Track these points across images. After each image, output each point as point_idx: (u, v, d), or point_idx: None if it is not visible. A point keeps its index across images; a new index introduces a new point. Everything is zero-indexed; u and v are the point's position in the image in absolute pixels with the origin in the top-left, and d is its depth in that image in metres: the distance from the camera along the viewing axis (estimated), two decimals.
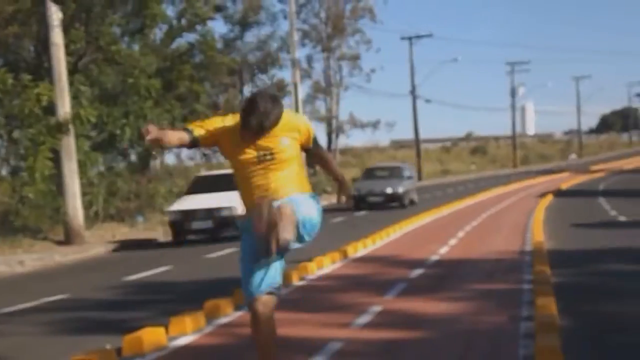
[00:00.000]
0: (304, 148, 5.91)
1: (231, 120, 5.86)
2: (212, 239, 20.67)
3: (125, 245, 21.73)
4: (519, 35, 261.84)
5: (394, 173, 34.98)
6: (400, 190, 32.97)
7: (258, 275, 5.64)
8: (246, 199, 5.82)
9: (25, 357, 8.15)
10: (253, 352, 6.07)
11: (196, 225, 21.05)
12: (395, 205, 32.38)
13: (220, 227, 20.73)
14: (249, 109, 5.60)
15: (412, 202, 33.67)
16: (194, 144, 5.79)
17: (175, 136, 5.75)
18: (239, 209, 16.66)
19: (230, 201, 19.96)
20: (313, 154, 5.97)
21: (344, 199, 5.97)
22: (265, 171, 5.72)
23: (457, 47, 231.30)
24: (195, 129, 5.77)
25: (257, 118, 5.55)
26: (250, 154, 5.73)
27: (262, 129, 5.61)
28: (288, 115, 5.87)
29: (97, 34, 25.90)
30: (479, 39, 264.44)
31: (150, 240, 22.94)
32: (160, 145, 5.66)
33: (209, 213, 20.78)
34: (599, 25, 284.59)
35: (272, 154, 5.71)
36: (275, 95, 5.85)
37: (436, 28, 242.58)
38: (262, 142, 5.72)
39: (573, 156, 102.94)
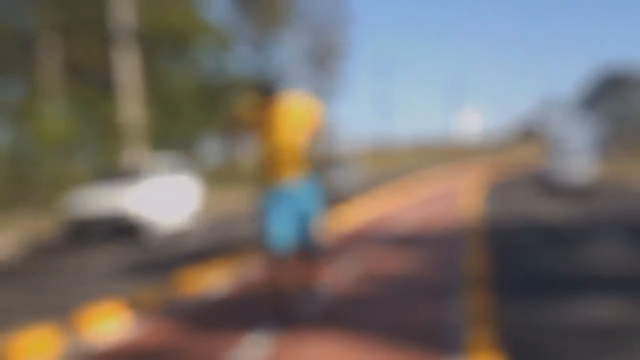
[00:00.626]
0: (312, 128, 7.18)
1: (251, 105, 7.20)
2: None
3: None
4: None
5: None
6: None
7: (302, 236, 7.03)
8: (263, 173, 7.07)
9: None
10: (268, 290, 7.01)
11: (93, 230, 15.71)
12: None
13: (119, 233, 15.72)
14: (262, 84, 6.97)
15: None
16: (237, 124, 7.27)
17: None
18: (144, 213, 15.61)
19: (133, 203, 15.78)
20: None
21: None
22: (280, 149, 6.97)
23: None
24: (236, 122, 7.25)
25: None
26: (267, 124, 7.03)
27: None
28: (303, 97, 7.24)
29: None
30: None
31: None
32: None
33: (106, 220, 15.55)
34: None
35: (284, 122, 6.99)
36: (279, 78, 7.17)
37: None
38: (276, 109, 7.03)
39: None
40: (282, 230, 7.04)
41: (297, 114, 7.19)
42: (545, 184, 27.36)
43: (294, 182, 7.09)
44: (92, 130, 25.15)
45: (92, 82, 26.84)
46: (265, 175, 7.17)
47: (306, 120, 7.21)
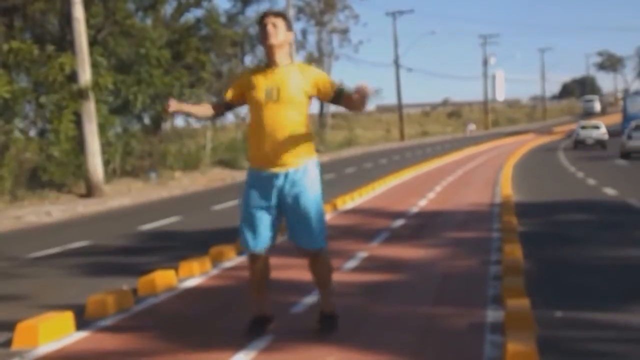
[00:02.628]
0: (328, 98, 5.67)
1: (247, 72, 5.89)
2: None
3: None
4: (491, 10, 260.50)
5: None
6: None
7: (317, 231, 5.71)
8: (253, 153, 5.72)
9: (50, 296, 8.15)
10: (249, 293, 6.09)
11: None
12: None
13: None
14: (260, 24, 5.61)
15: None
16: (227, 107, 5.86)
17: (199, 110, 5.86)
18: None
19: None
20: (345, 103, 5.67)
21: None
22: (272, 116, 5.52)
23: (435, 22, 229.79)
24: (226, 94, 5.81)
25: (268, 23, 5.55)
26: (260, 91, 5.59)
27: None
28: (304, 65, 5.81)
29: (114, 9, 25.62)
30: (455, 14, 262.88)
31: None
32: (184, 114, 5.73)
33: None
34: (562, 1, 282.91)
35: (278, 89, 5.55)
36: (280, 11, 5.80)
37: (418, 4, 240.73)
38: (272, 76, 5.60)
39: (472, 127, 77.85)
40: (259, 228, 5.67)
41: (303, 77, 5.65)
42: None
43: (292, 168, 5.61)
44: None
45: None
46: (256, 156, 5.72)
47: (317, 82, 5.66)
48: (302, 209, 5.61)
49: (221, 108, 5.87)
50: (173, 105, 5.62)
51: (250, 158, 5.79)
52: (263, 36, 5.59)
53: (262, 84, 5.61)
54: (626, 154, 30.09)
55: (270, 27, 5.56)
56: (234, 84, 5.82)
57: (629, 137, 30.68)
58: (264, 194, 5.64)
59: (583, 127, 42.44)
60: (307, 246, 5.70)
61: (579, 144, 40.93)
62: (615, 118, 69.05)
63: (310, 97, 5.65)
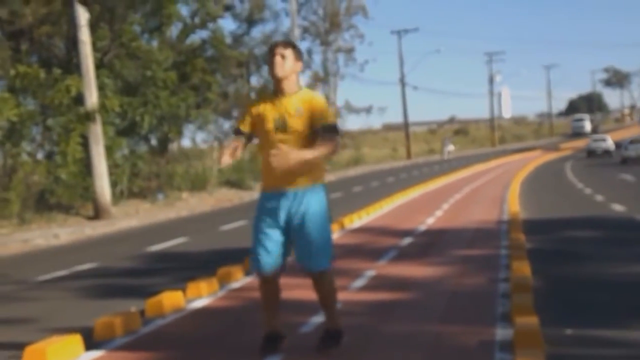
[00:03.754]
0: (314, 126, 5.59)
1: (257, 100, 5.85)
2: None
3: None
4: (496, 28, 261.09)
5: None
6: None
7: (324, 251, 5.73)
8: (265, 176, 5.73)
9: (58, 319, 8.15)
10: (261, 313, 6.10)
11: None
12: None
13: None
14: (269, 54, 5.62)
15: None
16: (248, 139, 5.81)
17: (236, 149, 5.80)
18: None
19: None
20: (319, 140, 5.56)
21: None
22: (282, 144, 5.50)
23: (440, 40, 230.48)
24: (241, 126, 5.79)
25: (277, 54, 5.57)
26: (269, 122, 5.61)
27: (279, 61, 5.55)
28: (309, 93, 5.74)
29: (120, 32, 25.75)
30: (460, 32, 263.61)
31: None
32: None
33: None
34: (566, 18, 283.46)
35: (284, 120, 5.56)
36: (291, 42, 5.78)
37: (422, 23, 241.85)
38: (280, 105, 5.61)
39: (450, 147, 66.35)
40: (270, 249, 5.71)
41: (304, 103, 5.66)
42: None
43: (301, 188, 5.66)
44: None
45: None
46: (267, 179, 5.76)
47: (312, 111, 5.65)
48: (306, 230, 5.63)
49: (245, 141, 5.85)
50: (225, 158, 5.73)
51: (262, 182, 5.82)
52: (270, 67, 5.62)
53: (270, 114, 5.64)
54: (624, 161, 39.72)
55: (278, 59, 5.59)
56: (245, 115, 5.81)
57: (626, 149, 40.77)
58: (274, 215, 5.67)
59: (594, 140, 52.54)
60: (309, 267, 5.71)
61: (591, 154, 50.13)
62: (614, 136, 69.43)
63: (310, 121, 5.64)
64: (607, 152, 49.38)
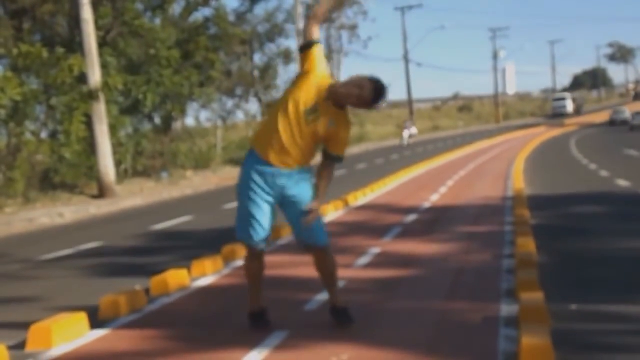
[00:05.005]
0: (329, 147, 5.63)
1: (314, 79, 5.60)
2: None
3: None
4: (500, 3, 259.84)
5: None
6: None
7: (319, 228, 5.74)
8: (264, 145, 5.63)
9: (63, 297, 8.16)
10: (265, 291, 6.10)
11: None
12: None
13: None
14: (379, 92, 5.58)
15: None
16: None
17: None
18: None
19: None
20: (323, 164, 5.70)
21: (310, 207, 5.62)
22: (296, 132, 5.51)
23: (445, 16, 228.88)
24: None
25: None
26: (302, 104, 5.52)
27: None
28: (344, 115, 5.64)
29: (123, 10, 25.63)
30: (464, 7, 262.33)
31: None
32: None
33: None
34: None
35: (315, 118, 5.51)
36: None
37: None
38: (321, 103, 5.53)
39: (412, 130, 54.03)
40: (263, 223, 5.74)
41: (332, 121, 5.62)
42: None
43: (295, 171, 5.71)
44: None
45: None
46: (266, 149, 5.66)
47: (341, 145, 5.75)
48: (303, 207, 5.68)
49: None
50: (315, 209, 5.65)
51: (258, 144, 5.71)
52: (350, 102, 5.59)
53: (309, 100, 5.54)
54: (632, 128, 48.04)
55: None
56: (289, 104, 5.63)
57: (633, 119, 49.82)
58: (266, 188, 5.67)
59: (616, 112, 61.21)
60: (315, 242, 5.74)
61: (613, 123, 58.95)
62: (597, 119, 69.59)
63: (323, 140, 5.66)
64: (624, 122, 55.97)
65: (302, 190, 5.68)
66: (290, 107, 5.54)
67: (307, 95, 5.54)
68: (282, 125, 5.55)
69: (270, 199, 5.69)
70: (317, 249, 5.80)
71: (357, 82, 5.53)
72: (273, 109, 5.78)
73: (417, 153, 34.99)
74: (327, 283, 5.96)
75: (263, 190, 5.67)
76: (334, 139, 5.62)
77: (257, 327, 5.93)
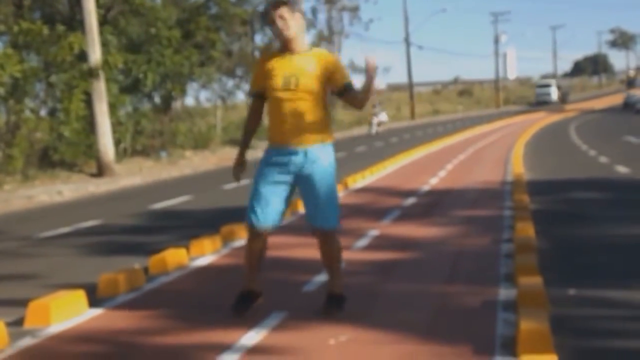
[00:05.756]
0: (336, 91, 5.66)
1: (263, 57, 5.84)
2: None
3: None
4: None
5: None
6: None
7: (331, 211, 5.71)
8: (273, 132, 5.69)
9: (62, 275, 8.17)
10: (264, 272, 6.10)
11: None
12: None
13: None
14: (267, 20, 5.62)
15: None
16: (261, 99, 5.74)
17: (253, 130, 5.95)
18: None
19: None
20: (348, 99, 5.70)
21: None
22: (291, 103, 5.53)
23: None
24: (254, 88, 5.75)
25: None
26: (278, 79, 5.57)
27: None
28: (323, 53, 5.72)
29: None
30: None
31: None
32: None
33: None
34: None
35: (296, 78, 5.53)
36: (281, 1, 5.61)
37: None
38: (289, 64, 5.57)
39: (382, 116, 43.63)
40: (270, 204, 5.69)
41: (318, 62, 5.62)
42: None
43: (311, 146, 5.64)
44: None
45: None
46: (275, 134, 5.72)
47: (330, 71, 5.63)
48: (316, 188, 5.63)
49: (261, 105, 5.85)
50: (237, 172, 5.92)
51: (269, 137, 5.78)
52: (276, 32, 5.58)
53: (279, 71, 5.60)
54: (638, 111, 50.40)
55: (279, 22, 5.54)
56: (255, 75, 5.82)
57: (636, 103, 53.20)
58: (281, 170, 5.66)
59: (630, 96, 60.91)
60: (322, 225, 5.69)
61: (626, 106, 58.25)
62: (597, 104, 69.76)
63: (328, 81, 5.63)
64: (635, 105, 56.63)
65: (318, 169, 5.61)
66: (273, 84, 5.59)
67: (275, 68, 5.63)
68: (276, 102, 5.60)
69: (286, 180, 5.66)
70: (324, 232, 5.75)
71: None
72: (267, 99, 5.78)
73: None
74: (329, 268, 5.91)
75: (278, 172, 5.65)
76: (332, 76, 5.60)
77: (236, 310, 5.82)
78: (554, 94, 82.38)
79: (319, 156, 5.62)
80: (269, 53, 5.80)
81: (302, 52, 5.63)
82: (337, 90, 5.68)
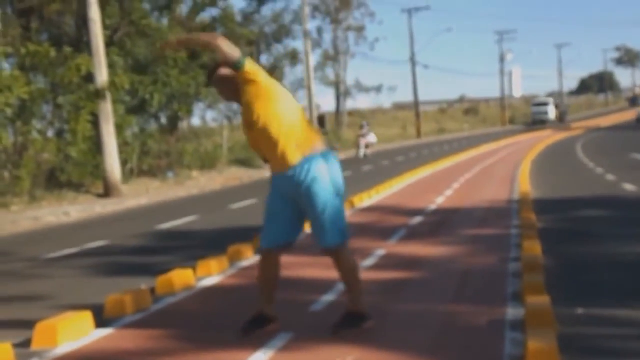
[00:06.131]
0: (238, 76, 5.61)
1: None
2: None
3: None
4: (507, 6, 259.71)
5: None
6: None
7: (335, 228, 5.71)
8: (271, 165, 5.79)
9: (68, 296, 8.17)
10: (258, 291, 6.09)
11: None
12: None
13: None
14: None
15: None
16: (236, 67, 5.60)
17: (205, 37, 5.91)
18: None
19: None
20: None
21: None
22: (257, 137, 5.65)
23: (452, 18, 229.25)
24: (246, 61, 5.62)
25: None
26: (244, 125, 5.76)
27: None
28: (249, 82, 5.60)
29: (130, 9, 25.71)
30: (471, 10, 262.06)
31: None
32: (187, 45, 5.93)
33: None
34: None
35: (250, 120, 5.64)
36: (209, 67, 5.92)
37: (433, 1, 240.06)
38: (245, 110, 5.69)
39: (371, 138, 38.90)
40: (275, 225, 5.81)
41: (255, 91, 5.65)
42: None
43: (298, 165, 5.65)
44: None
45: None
46: (271, 166, 5.86)
47: (242, 82, 5.67)
48: (313, 205, 5.65)
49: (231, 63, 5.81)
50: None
51: (270, 164, 5.88)
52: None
53: (243, 119, 5.80)
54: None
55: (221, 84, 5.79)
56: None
57: None
58: (282, 195, 5.76)
59: None
60: (326, 243, 5.69)
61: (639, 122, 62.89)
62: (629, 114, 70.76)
63: (269, 96, 5.58)
64: None
65: (310, 187, 5.60)
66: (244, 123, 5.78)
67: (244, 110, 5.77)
68: (250, 139, 5.82)
69: (287, 203, 5.75)
70: (330, 250, 5.76)
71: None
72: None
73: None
74: (345, 284, 5.92)
75: (280, 196, 5.76)
76: (252, 92, 5.61)
77: (244, 331, 5.83)
78: (552, 113, 77.98)
79: (305, 174, 5.60)
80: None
81: (243, 98, 5.71)
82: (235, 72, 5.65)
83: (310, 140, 5.66)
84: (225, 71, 5.65)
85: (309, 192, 5.61)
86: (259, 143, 5.70)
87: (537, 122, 75.60)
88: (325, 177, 5.63)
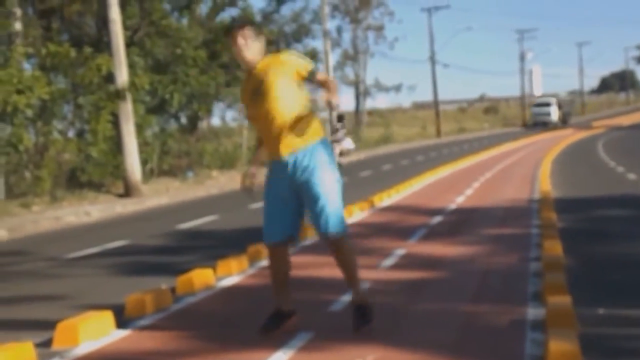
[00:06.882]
0: (306, 79, 5.69)
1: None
2: None
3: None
4: (528, 5, 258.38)
5: None
6: None
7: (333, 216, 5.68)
8: (266, 147, 5.81)
9: (89, 296, 8.21)
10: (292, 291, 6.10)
11: None
12: None
13: None
14: (229, 41, 5.77)
15: None
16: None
17: (261, 155, 6.01)
18: None
19: None
20: (317, 83, 5.74)
21: (328, 99, 5.57)
22: (262, 117, 5.61)
23: (472, 17, 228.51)
24: (244, 110, 5.97)
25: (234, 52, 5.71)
26: (246, 97, 5.74)
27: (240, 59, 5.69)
28: (276, 55, 5.78)
29: (150, 10, 25.81)
30: (491, 9, 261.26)
31: None
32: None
33: None
34: None
35: (259, 91, 5.61)
36: (244, 22, 5.80)
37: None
38: (253, 78, 5.68)
39: (348, 144, 25.43)
40: (276, 219, 5.79)
41: (282, 66, 5.68)
42: None
43: (299, 151, 5.67)
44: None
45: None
46: (267, 149, 5.86)
47: (294, 71, 5.68)
48: (314, 194, 5.64)
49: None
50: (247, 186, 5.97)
51: (267, 151, 5.87)
52: (237, 54, 5.74)
53: (248, 88, 5.75)
54: None
55: (241, 42, 5.68)
56: (241, 97, 5.99)
57: None
58: (279, 183, 5.75)
59: None
60: (326, 231, 5.69)
61: None
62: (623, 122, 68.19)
63: (292, 80, 5.64)
64: None
65: (310, 175, 5.61)
66: (244, 103, 5.83)
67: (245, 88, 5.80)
68: (252, 119, 5.81)
69: (286, 192, 5.72)
70: (330, 239, 5.73)
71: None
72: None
73: (442, 154, 33.05)
74: (345, 277, 5.92)
75: (277, 186, 5.75)
76: (291, 72, 5.63)
77: (263, 330, 5.84)
78: (554, 114, 70.81)
79: (308, 160, 5.62)
80: (244, 78, 5.96)
81: (259, 65, 5.72)
82: (305, 78, 5.69)
83: (314, 127, 5.70)
84: (256, 44, 5.69)
85: (313, 177, 5.61)
86: (259, 120, 5.68)
87: (538, 124, 70.40)
88: (330, 164, 5.70)
